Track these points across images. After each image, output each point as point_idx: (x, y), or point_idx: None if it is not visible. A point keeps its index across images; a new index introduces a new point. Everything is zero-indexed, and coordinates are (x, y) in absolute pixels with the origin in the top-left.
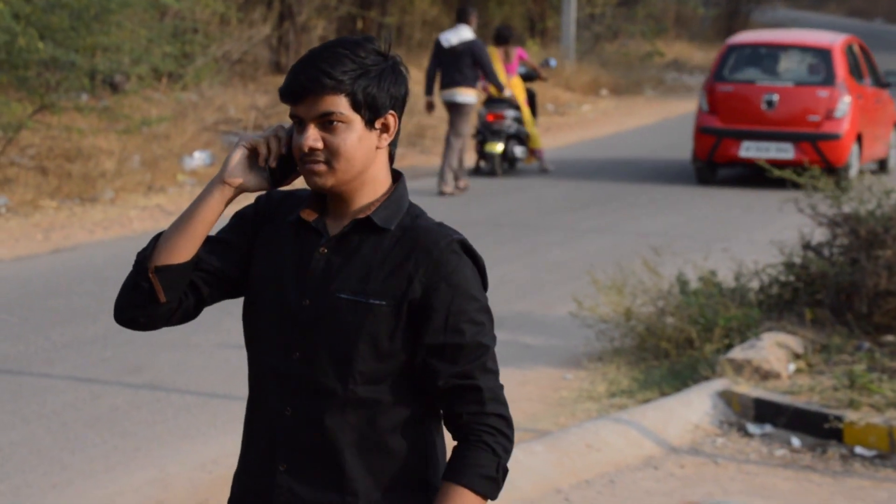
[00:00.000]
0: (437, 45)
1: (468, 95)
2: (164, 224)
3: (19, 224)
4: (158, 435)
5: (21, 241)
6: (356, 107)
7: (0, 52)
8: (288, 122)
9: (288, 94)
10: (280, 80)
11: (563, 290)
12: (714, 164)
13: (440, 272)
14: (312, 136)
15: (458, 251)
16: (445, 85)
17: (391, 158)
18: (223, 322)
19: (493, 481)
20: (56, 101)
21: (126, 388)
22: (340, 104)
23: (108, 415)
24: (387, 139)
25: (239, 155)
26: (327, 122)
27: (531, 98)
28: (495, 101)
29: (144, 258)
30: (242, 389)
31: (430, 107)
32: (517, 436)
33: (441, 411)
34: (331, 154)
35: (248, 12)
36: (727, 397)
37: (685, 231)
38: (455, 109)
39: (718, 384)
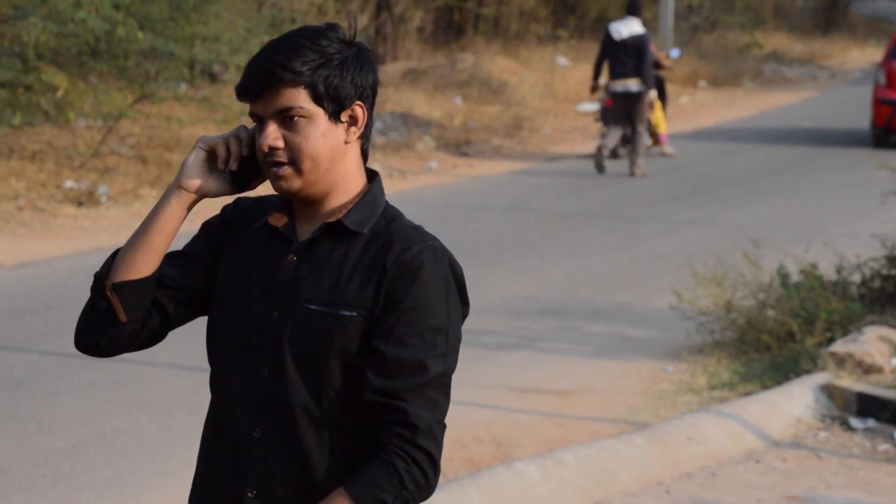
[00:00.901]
0: (607, 35)
1: (642, 84)
2: None
3: (120, 213)
4: None
5: (122, 230)
6: (317, 99)
7: (100, 42)
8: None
9: (244, 91)
10: (379, 70)
11: (662, 281)
12: (890, 131)
13: (403, 278)
14: (272, 135)
15: (429, 259)
16: (618, 76)
17: (364, 155)
18: None
19: None
20: (155, 90)
21: None
22: (300, 98)
23: None
24: (356, 132)
25: (196, 157)
26: (287, 119)
27: (659, 84)
28: None
29: (101, 276)
30: None
31: (594, 90)
32: (618, 428)
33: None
34: (293, 153)
35: (346, 3)
36: (829, 391)
37: (785, 223)
38: (631, 99)
39: (820, 378)
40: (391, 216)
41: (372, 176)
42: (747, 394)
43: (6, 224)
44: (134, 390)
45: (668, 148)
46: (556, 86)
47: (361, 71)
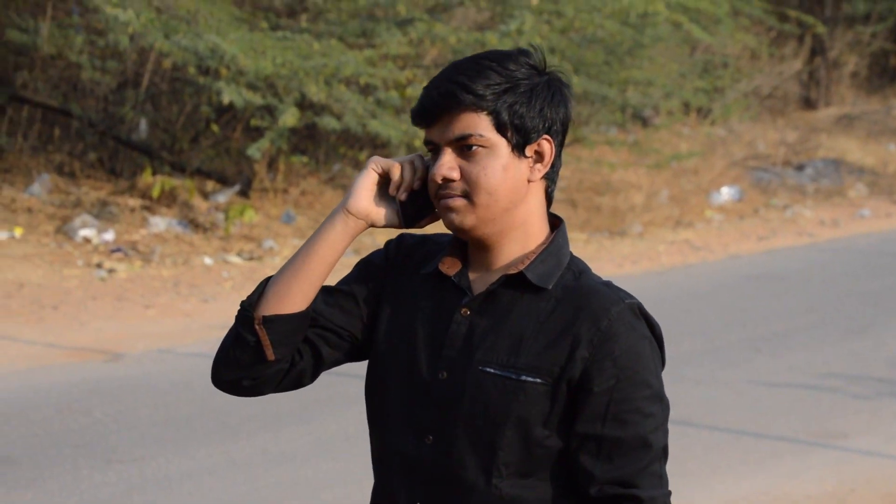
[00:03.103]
0: None
1: None
2: (692, 259)
3: None
4: (689, 470)
5: None
6: (500, 128)
7: None
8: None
9: (420, 114)
10: (811, 116)
11: None
12: None
13: (607, 347)
14: (448, 164)
15: (631, 321)
16: None
17: (549, 199)
18: (755, 359)
19: None
20: (587, 134)
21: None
22: (480, 124)
23: None
24: (541, 170)
25: (366, 179)
26: (465, 147)
27: None
28: None
29: (249, 305)
30: (773, 428)
31: None
32: None
33: None
34: (469, 186)
35: (780, 47)
36: None
37: None
38: None
39: None
40: (578, 269)
41: (556, 223)
42: None
43: None
44: None
45: None
46: None
47: (552, 102)
